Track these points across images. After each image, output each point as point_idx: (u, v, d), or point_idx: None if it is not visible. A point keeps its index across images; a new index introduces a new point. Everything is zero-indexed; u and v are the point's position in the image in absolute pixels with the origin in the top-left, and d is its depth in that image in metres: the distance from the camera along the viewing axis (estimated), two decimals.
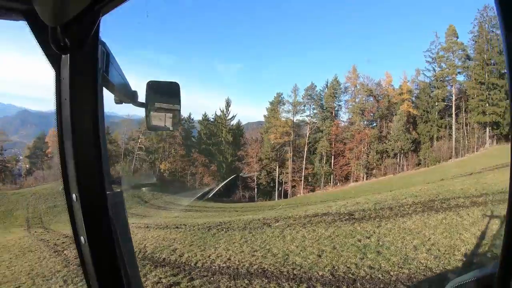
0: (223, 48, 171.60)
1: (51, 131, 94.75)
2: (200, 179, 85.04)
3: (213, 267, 13.65)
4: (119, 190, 2.18)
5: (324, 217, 22.03)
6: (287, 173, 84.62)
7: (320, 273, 11.95)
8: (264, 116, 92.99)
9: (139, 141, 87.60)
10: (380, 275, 11.41)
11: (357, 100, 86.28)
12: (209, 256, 15.30)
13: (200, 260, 14.89)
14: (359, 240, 15.48)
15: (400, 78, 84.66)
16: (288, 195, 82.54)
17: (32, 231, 35.45)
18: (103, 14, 1.63)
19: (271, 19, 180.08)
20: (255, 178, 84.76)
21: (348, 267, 12.22)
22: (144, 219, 38.49)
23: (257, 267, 13.02)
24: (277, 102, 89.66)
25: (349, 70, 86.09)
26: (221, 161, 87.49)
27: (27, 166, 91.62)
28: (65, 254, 19.36)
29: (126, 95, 2.54)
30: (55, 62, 1.74)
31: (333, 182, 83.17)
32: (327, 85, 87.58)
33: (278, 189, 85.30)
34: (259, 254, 14.81)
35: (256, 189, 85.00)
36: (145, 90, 2.56)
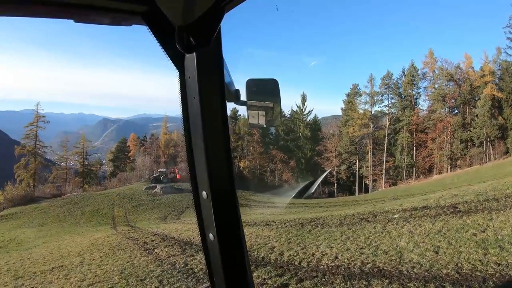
0: (296, 41, 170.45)
1: (132, 135, 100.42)
2: (279, 176, 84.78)
3: (321, 267, 12.68)
4: None
5: (425, 210, 20.55)
6: (367, 166, 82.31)
7: (444, 271, 10.79)
8: (341, 109, 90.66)
9: None
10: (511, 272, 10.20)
11: (436, 86, 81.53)
12: (312, 255, 14.35)
13: (304, 259, 13.98)
14: (475, 235, 14.03)
15: (480, 59, 78.97)
16: (369, 190, 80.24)
17: (119, 229, 36.21)
18: (227, 11, 1.65)
19: (342, 11, 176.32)
20: (334, 173, 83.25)
21: (473, 264, 10.97)
22: None
23: (371, 266, 11.96)
24: (354, 93, 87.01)
25: (425, 54, 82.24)
26: (300, 157, 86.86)
27: (111, 168, 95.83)
28: (156, 253, 18.97)
29: (231, 94, 2.41)
30: (178, 62, 1.79)
31: (415, 174, 79.74)
32: (404, 72, 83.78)
33: (358, 183, 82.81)
34: (368, 252, 13.72)
35: (336, 184, 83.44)
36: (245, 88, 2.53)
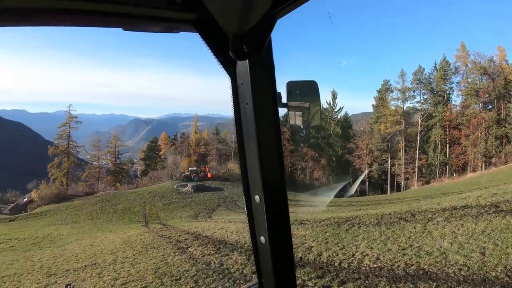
0: (328, 39, 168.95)
1: (162, 134, 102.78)
2: (310, 174, 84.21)
3: (363, 268, 12.28)
4: None
5: (465, 210, 19.90)
6: (399, 164, 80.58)
7: (493, 274, 10.26)
8: (372, 105, 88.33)
9: None
10: None
11: (469, 80, 78.19)
12: (353, 255, 13.96)
13: (344, 259, 13.58)
14: None
15: None
16: (401, 188, 78.47)
17: (151, 227, 36.43)
18: (279, 18, 1.71)
19: (371, 4, 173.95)
20: (366, 171, 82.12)
21: None
22: None
23: (416, 268, 11.48)
24: (385, 89, 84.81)
25: (457, 48, 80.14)
26: (330, 155, 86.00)
27: (142, 167, 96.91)
28: (190, 252, 18.80)
29: None
30: (230, 68, 1.84)
31: (449, 172, 77.88)
32: (435, 66, 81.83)
33: (390, 181, 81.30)
34: (411, 253, 13.25)
35: (367, 183, 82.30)
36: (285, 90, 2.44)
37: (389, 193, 75.62)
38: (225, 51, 1.69)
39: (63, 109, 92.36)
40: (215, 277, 13.44)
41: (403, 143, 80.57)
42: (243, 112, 1.82)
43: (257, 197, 1.87)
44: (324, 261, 13.70)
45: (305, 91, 2.55)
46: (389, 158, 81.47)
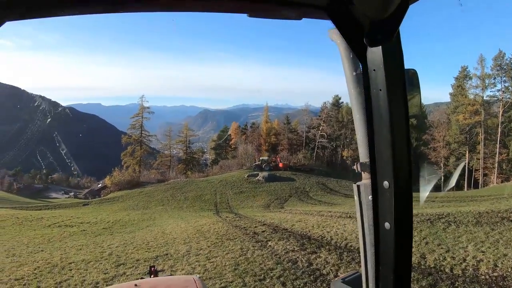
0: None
1: (233, 124, 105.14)
2: None
3: (482, 277, 10.35)
4: None
5: None
6: (478, 159, 75.70)
7: None
8: (450, 94, 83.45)
9: (321, 128, 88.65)
10: None
11: None
12: (464, 260, 11.97)
13: (454, 265, 11.62)
14: None
15: None
16: (479, 185, 73.71)
17: (223, 216, 35.71)
18: (410, 4, 1.66)
19: None
20: (441, 165, 78.15)
21: None
22: (334, 207, 37.75)
23: None
24: (463, 77, 79.09)
25: None
26: None
27: (213, 156, 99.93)
28: (270, 246, 17.26)
29: None
30: (361, 55, 1.82)
31: None
32: None
33: (467, 177, 76.48)
34: None
35: (442, 178, 78.26)
36: None
37: (465, 189, 71.04)
38: (356, 37, 1.71)
39: (135, 102, 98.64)
40: (305, 279, 11.86)
41: (483, 136, 75.12)
42: (375, 99, 1.79)
43: (386, 183, 1.82)
44: (431, 265, 11.81)
45: (407, 79, 2.11)
46: (467, 152, 76.58)
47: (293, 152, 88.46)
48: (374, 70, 1.75)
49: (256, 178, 66.87)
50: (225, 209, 46.57)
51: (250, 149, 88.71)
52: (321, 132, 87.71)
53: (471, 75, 77.43)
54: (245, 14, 1.70)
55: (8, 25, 1.45)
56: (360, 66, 1.92)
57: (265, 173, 68.63)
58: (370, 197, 1.97)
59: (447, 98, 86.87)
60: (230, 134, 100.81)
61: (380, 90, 1.75)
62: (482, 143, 74.52)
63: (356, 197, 2.08)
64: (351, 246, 15.68)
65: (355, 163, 2.13)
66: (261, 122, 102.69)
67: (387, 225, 1.85)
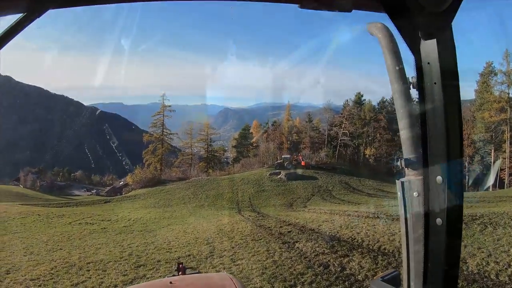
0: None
1: (254, 122, 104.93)
2: None
3: None
4: None
5: None
6: (504, 158, 73.76)
7: None
8: (475, 90, 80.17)
9: (343, 126, 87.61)
10: None
11: None
12: (509, 265, 11.17)
13: (500, 270, 10.86)
14: None
15: None
16: (505, 185, 70.94)
17: (246, 215, 35.35)
18: None
19: None
20: (466, 164, 76.50)
21: None
22: (360, 206, 36.54)
23: None
24: (488, 73, 75.84)
25: None
26: None
27: (234, 154, 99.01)
28: (298, 248, 16.60)
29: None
30: (416, 47, 1.83)
31: None
32: None
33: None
34: None
35: (467, 177, 76.59)
36: None
37: (491, 189, 69.34)
38: (411, 29, 1.75)
39: (156, 101, 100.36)
40: (339, 286, 11.16)
41: (509, 134, 73.08)
42: (429, 92, 1.80)
43: (439, 178, 1.84)
44: (474, 271, 11.06)
45: None
46: (492, 150, 74.72)
47: (315, 151, 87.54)
48: (428, 63, 1.75)
49: (278, 177, 66.17)
50: (247, 208, 46.14)
51: (272, 147, 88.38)
52: (343, 130, 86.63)
53: (496, 71, 74.87)
54: (296, 5, 1.72)
55: (31, 28, 1.54)
56: (402, 61, 1.94)
57: (287, 172, 67.99)
58: (415, 193, 1.94)
59: (470, 96, 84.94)
60: (251, 132, 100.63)
61: (435, 83, 1.75)
62: (508, 141, 72.49)
63: (399, 194, 2.04)
64: (384, 249, 14.95)
65: (399, 159, 2.09)
66: (282, 120, 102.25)
67: (438, 221, 1.85)
